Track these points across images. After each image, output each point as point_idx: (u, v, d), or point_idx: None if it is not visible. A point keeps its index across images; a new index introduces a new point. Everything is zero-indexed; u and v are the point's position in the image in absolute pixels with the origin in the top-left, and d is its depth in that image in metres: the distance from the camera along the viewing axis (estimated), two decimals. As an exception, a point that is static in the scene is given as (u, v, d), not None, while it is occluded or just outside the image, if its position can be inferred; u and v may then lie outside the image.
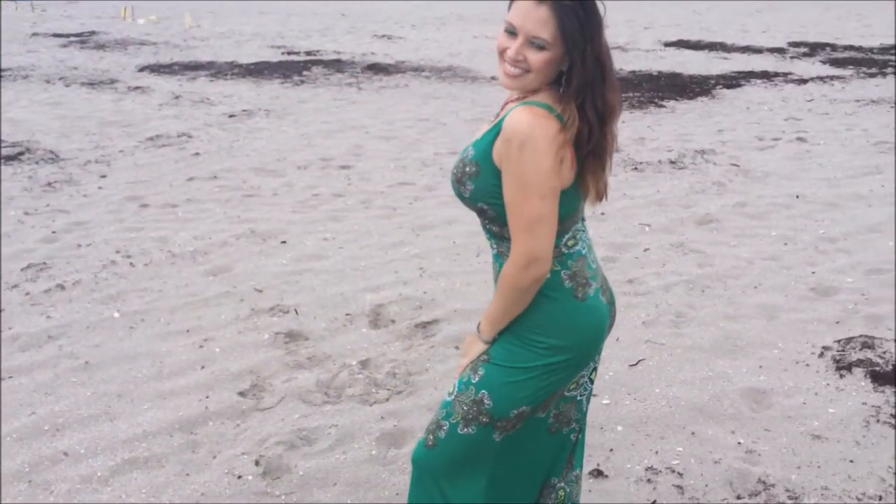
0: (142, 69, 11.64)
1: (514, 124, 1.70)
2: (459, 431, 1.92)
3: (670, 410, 3.28)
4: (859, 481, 2.83)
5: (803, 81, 11.05)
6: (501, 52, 1.78)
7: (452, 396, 1.95)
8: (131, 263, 4.73)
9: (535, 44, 1.71)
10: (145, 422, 3.18)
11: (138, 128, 8.10)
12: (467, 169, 1.83)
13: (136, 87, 10.19)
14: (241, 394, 3.39)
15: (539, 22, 1.69)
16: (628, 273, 4.65)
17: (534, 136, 1.68)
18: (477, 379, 1.91)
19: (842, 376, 3.52)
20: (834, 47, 14.53)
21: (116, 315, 4.08)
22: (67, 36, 15.20)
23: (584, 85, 1.73)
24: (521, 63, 1.74)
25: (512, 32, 1.74)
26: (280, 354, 3.71)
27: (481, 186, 1.81)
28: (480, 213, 1.88)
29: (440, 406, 1.99)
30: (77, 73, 11.11)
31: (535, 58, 1.73)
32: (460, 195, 1.88)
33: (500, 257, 1.92)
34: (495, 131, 1.77)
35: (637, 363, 3.63)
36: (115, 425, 3.16)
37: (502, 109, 1.89)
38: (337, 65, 12.21)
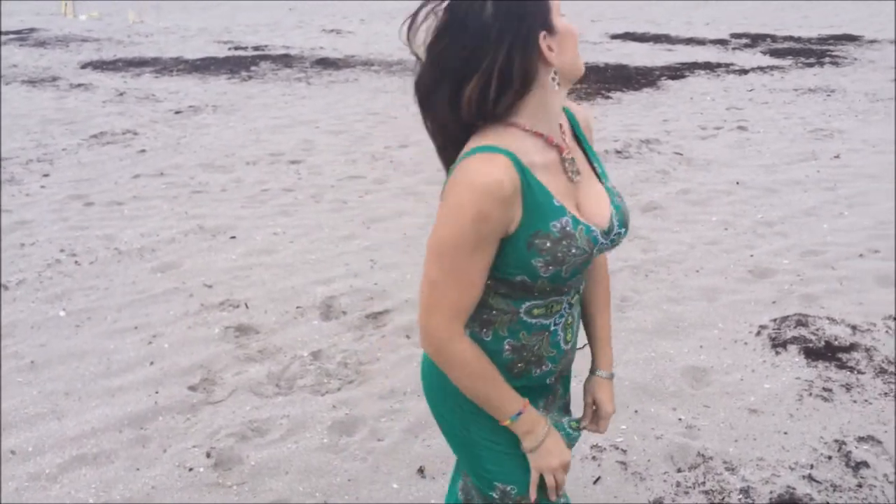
0: (84, 66, 11.41)
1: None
2: None
3: (615, 390, 3.37)
4: (792, 451, 2.96)
5: (744, 72, 11.33)
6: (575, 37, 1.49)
7: None
8: (76, 262, 4.67)
9: None
10: (94, 419, 3.16)
11: (82, 125, 7.96)
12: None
13: (79, 85, 9.99)
14: (192, 388, 3.39)
15: None
16: (575, 260, 4.75)
17: None
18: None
19: (777, 353, 3.67)
20: (774, 38, 14.92)
21: (62, 314, 4.03)
22: (6, 33, 14.79)
23: None
24: None
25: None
26: (230, 348, 3.72)
27: None
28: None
29: None
30: (17, 71, 10.84)
31: None
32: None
33: None
34: (591, 147, 1.66)
35: (583, 346, 3.70)
36: (63, 423, 3.14)
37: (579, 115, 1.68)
38: (285, 59, 12.12)
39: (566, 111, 1.63)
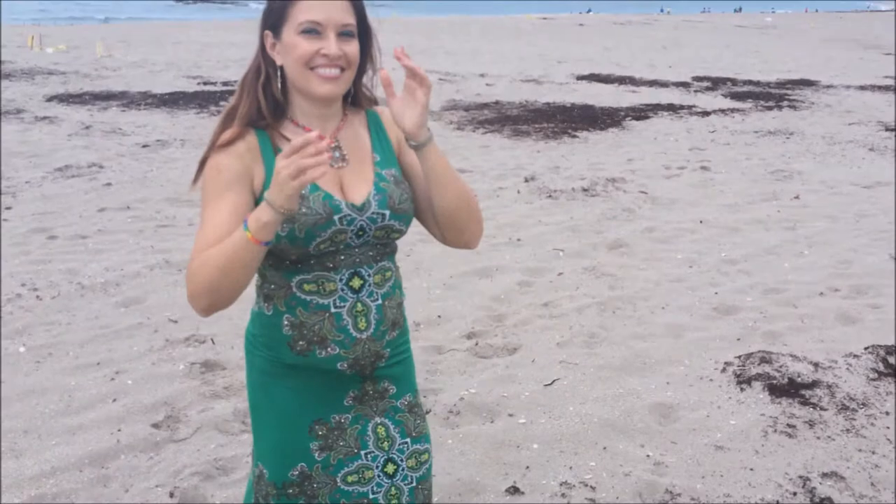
0: (50, 99, 11.31)
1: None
2: None
3: (583, 427, 3.39)
4: (758, 487, 2.99)
5: (706, 114, 11.61)
6: (310, 59, 1.58)
7: None
8: (38, 296, 4.58)
9: (346, 33, 1.60)
10: (53, 458, 3.08)
11: (46, 158, 7.86)
12: (404, 185, 1.71)
13: (44, 117, 9.89)
14: (155, 426, 3.33)
15: (343, 9, 1.60)
16: (543, 297, 4.78)
17: None
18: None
19: (742, 390, 3.71)
20: (734, 82, 15.34)
21: (22, 349, 3.94)
22: (-31, 64, 14.62)
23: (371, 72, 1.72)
24: (341, 60, 1.60)
25: (314, 31, 1.57)
26: (196, 385, 3.66)
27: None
28: (403, 230, 1.71)
29: None
30: (-20, 103, 10.70)
31: (351, 49, 1.61)
32: (409, 216, 1.70)
33: (398, 282, 1.77)
34: (385, 140, 1.74)
35: (552, 383, 3.73)
36: (21, 462, 3.05)
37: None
38: (255, 95, 12.12)
39: (371, 114, 1.76)
